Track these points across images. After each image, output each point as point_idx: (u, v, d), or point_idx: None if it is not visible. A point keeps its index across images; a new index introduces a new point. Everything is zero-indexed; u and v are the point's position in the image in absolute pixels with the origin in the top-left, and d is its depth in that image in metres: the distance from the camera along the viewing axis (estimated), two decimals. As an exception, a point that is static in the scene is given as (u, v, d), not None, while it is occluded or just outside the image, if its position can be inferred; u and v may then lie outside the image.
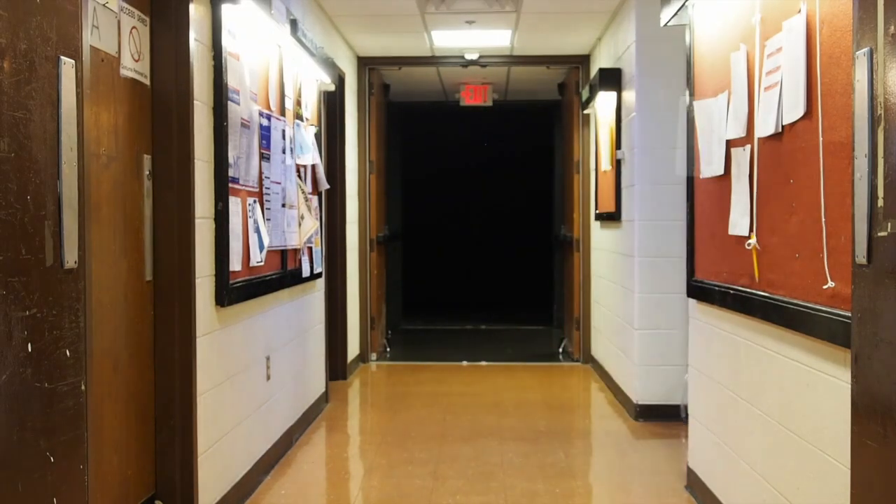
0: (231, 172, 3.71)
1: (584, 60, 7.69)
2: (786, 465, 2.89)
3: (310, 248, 5.25)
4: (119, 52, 3.00)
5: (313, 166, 5.31)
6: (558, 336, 9.13)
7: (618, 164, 6.12)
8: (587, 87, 7.27)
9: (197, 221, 3.40)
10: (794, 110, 2.72)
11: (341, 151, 6.83)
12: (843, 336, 2.32)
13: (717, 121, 3.52)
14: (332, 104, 6.57)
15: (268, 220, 4.25)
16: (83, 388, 1.94)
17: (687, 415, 4.24)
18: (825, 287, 2.50)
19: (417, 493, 4.16)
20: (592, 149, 7.39)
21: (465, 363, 7.83)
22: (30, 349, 1.73)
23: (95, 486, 2.72)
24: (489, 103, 9.03)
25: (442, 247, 12.75)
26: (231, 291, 3.70)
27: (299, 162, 4.96)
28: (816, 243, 2.57)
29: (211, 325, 3.58)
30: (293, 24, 4.63)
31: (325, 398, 6.06)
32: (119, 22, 2.99)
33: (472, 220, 12.72)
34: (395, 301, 9.99)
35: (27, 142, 1.74)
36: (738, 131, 3.26)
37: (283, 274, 4.61)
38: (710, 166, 3.63)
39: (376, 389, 7.03)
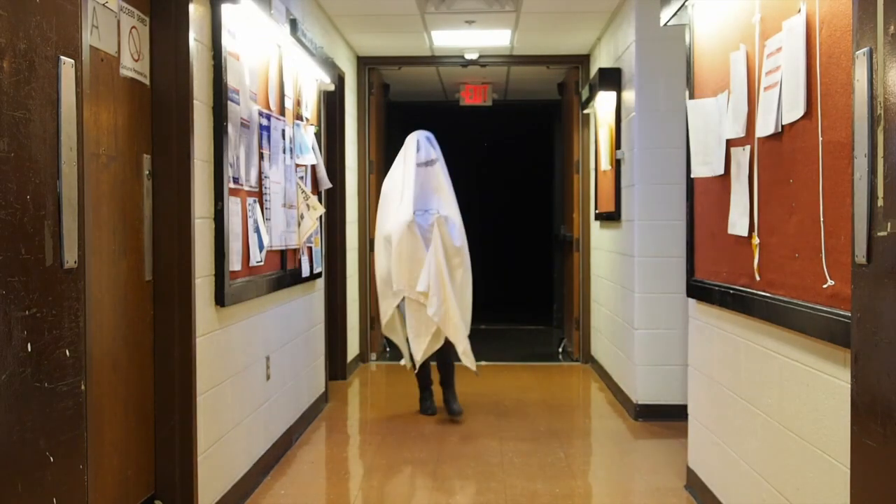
0: (231, 172, 3.72)
1: (583, 60, 7.69)
2: (786, 465, 2.89)
3: (310, 248, 5.25)
4: (119, 51, 3.00)
5: (313, 166, 5.31)
6: (558, 336, 9.13)
7: (617, 164, 6.12)
8: (587, 87, 7.27)
9: (196, 221, 3.40)
10: (794, 110, 2.72)
11: (341, 151, 6.83)
12: (843, 336, 2.32)
13: (717, 121, 3.52)
14: (332, 104, 6.57)
15: (267, 219, 4.25)
16: (83, 387, 1.94)
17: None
18: (825, 287, 2.50)
19: (417, 493, 4.16)
20: (592, 149, 7.39)
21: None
22: (29, 349, 1.73)
23: (95, 486, 2.73)
24: (489, 103, 9.03)
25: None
26: (231, 291, 3.70)
27: (299, 162, 4.96)
28: (816, 243, 2.57)
29: (210, 325, 3.58)
30: (293, 23, 4.63)
31: (325, 398, 6.06)
32: (119, 22, 2.99)
33: (472, 219, 12.70)
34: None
35: (27, 142, 1.74)
36: (737, 131, 3.26)
37: (282, 274, 4.61)
38: (705, 166, 3.64)
39: (376, 389, 7.03)
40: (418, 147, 5.57)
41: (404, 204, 5.46)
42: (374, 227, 7.79)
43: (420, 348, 5.47)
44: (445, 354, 5.69)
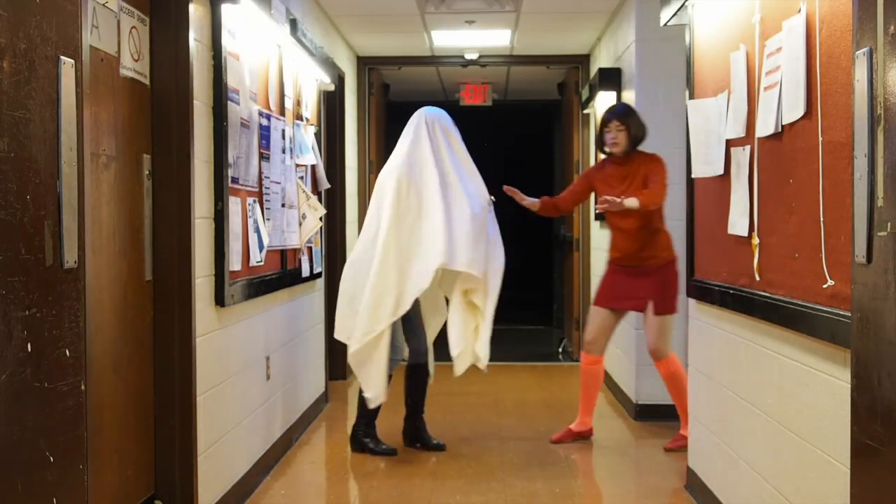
0: (231, 172, 3.71)
1: (583, 60, 7.69)
2: (786, 465, 2.89)
3: (310, 248, 5.25)
4: (119, 51, 3.00)
5: (313, 166, 5.31)
6: (558, 336, 9.13)
7: (618, 164, 6.11)
8: (587, 87, 7.26)
9: (196, 221, 3.40)
10: (794, 110, 2.72)
11: (341, 151, 6.83)
12: (843, 336, 2.32)
13: (717, 121, 3.52)
14: (332, 104, 6.57)
15: (267, 220, 4.25)
16: (83, 387, 1.94)
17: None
18: (825, 286, 2.50)
19: (417, 492, 4.16)
20: (592, 149, 7.38)
21: (464, 363, 7.81)
22: (29, 349, 1.73)
23: (95, 486, 2.72)
24: (489, 103, 9.03)
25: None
26: (231, 291, 3.70)
27: (299, 162, 4.96)
28: (816, 243, 2.57)
29: (210, 325, 3.58)
30: (293, 23, 4.63)
31: (324, 398, 6.05)
32: (119, 22, 2.99)
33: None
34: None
35: (27, 142, 1.73)
36: (737, 131, 3.26)
37: (282, 274, 4.61)
38: (706, 166, 3.64)
39: (376, 389, 7.02)
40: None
41: (476, 186, 5.23)
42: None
43: (440, 324, 4.75)
44: (422, 372, 4.78)
